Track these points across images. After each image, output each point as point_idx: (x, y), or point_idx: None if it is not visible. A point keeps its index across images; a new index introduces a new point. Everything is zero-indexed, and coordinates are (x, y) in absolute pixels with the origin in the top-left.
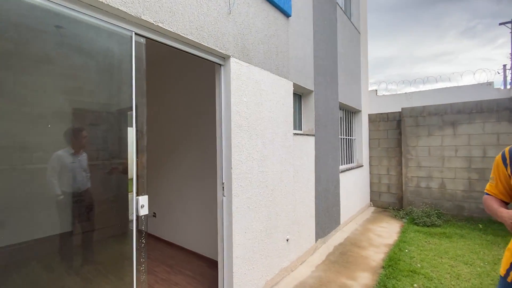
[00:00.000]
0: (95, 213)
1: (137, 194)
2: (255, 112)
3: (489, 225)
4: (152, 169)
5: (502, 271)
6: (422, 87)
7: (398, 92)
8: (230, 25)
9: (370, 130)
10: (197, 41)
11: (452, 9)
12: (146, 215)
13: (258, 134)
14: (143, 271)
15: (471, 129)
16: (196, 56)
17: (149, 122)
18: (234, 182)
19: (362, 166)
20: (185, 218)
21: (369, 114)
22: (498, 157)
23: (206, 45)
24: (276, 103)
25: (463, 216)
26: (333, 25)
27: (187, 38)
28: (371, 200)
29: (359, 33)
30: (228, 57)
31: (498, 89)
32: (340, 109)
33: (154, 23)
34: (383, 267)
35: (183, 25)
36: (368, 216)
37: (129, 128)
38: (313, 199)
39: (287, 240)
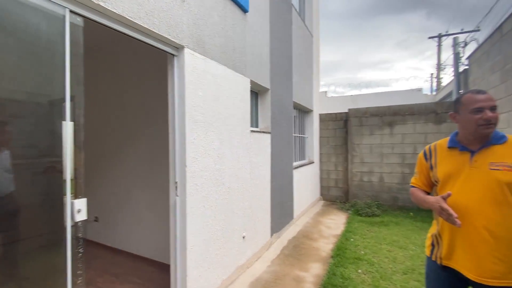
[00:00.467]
0: (20, 221)
1: (74, 197)
2: (212, 107)
3: (418, 213)
4: (94, 168)
5: (427, 251)
6: (364, 91)
7: (345, 95)
8: (184, 13)
9: (320, 129)
10: (146, 27)
11: (389, 22)
12: (85, 220)
13: (215, 130)
14: (81, 283)
15: (404, 129)
16: (146, 43)
17: (90, 115)
18: (188, 181)
19: (313, 162)
20: (133, 221)
21: (319, 114)
22: (421, 154)
23: (158, 32)
24: (233, 99)
25: (397, 206)
26: (288, 25)
27: (135, 22)
28: (321, 194)
29: (312, 35)
30: (182, 47)
31: (426, 94)
32: (294, 108)
33: (95, 1)
34: (332, 257)
35: (130, 8)
36: (318, 210)
37: (63, 122)
38: (269, 195)
39: (243, 237)
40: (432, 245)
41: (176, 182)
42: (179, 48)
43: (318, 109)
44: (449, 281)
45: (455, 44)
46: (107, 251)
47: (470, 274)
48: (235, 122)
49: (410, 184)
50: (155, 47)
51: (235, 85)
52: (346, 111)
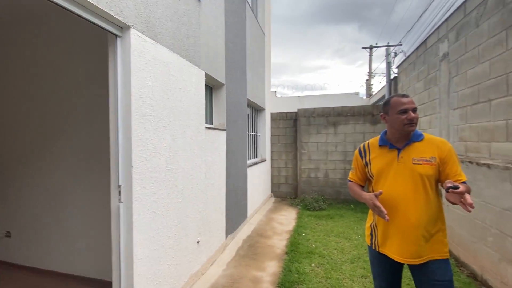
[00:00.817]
0: None
1: None
2: (163, 100)
3: (357, 204)
4: (6, 172)
5: (368, 241)
6: (306, 93)
7: (293, 95)
8: None
9: (272, 128)
10: None
11: (329, 31)
12: None
13: (166, 125)
14: None
15: (346, 128)
16: (81, 18)
17: (4, 106)
18: (135, 183)
19: (265, 160)
20: (61, 234)
21: (271, 113)
22: (356, 151)
23: (96, 5)
24: (187, 92)
25: (340, 200)
26: (242, 20)
27: None
28: (272, 191)
29: (264, 34)
30: (128, 27)
31: (362, 98)
32: (248, 106)
33: None
34: (286, 253)
35: None
36: (270, 206)
37: None
38: (224, 195)
39: (197, 242)
40: (371, 234)
41: (119, 186)
42: (123, 28)
43: (270, 108)
44: (390, 264)
45: (387, 54)
46: (26, 272)
47: (398, 257)
48: (189, 117)
49: (348, 179)
50: (93, 23)
51: (189, 76)
52: (295, 111)
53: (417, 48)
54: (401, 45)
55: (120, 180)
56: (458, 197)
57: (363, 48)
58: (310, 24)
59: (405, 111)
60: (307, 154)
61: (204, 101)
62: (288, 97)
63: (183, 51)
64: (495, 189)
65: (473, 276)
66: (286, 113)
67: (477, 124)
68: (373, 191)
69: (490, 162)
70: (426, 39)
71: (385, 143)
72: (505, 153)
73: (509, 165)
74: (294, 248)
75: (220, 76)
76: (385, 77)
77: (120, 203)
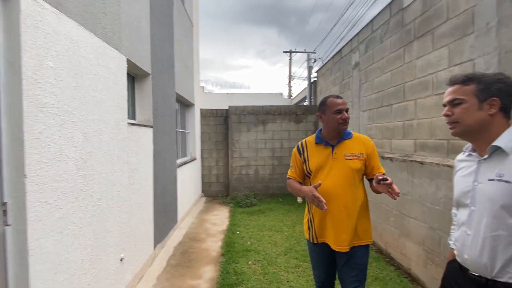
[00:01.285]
0: None
1: None
2: (72, 88)
3: (284, 198)
4: None
5: (306, 235)
6: (232, 90)
7: (219, 92)
8: None
9: (202, 125)
10: None
11: (252, 33)
12: None
13: (77, 121)
14: None
15: (274, 126)
16: None
17: None
18: (31, 198)
19: (196, 159)
20: None
21: (201, 109)
22: (295, 149)
23: None
24: (104, 79)
25: (269, 194)
26: (169, 5)
27: None
28: (202, 191)
29: (192, 25)
30: None
31: (285, 98)
32: (176, 100)
33: None
34: (222, 254)
35: None
36: (201, 207)
37: None
38: (152, 201)
39: (121, 260)
40: (309, 228)
41: (3, 204)
42: None
43: (199, 104)
44: (326, 254)
45: (308, 59)
46: None
47: (334, 246)
48: (107, 110)
49: (287, 176)
50: None
51: (107, 61)
52: (225, 108)
53: (333, 56)
54: (315, 52)
55: (5, 195)
56: (386, 187)
57: (284, 52)
58: (232, 22)
59: (339, 111)
60: (238, 152)
61: (126, 92)
62: (217, 93)
63: (99, 30)
64: (395, 177)
65: (380, 251)
66: (216, 109)
67: (381, 124)
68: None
69: (391, 155)
70: (341, 49)
71: (320, 140)
72: (403, 148)
73: (405, 158)
74: (230, 248)
75: (145, 64)
76: (303, 80)
77: (6, 226)
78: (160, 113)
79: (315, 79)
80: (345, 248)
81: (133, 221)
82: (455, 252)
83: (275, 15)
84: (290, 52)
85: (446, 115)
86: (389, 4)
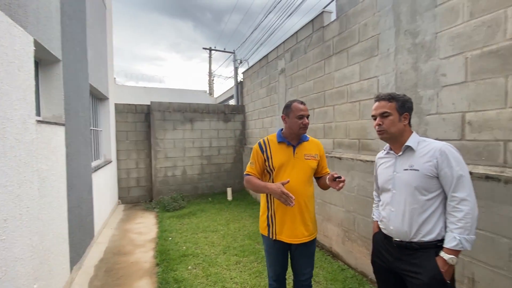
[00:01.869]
0: None
1: None
2: None
3: (214, 197)
4: None
5: (264, 232)
6: (151, 84)
7: (137, 86)
8: None
9: (117, 122)
10: None
11: (164, 23)
12: None
13: None
14: None
15: (203, 125)
16: None
17: None
18: None
19: (111, 161)
20: None
21: (116, 104)
22: (256, 146)
23: None
24: (8, 64)
25: (198, 195)
26: None
27: None
28: (119, 198)
29: (105, 6)
30: None
31: (211, 96)
32: (90, 93)
33: None
34: (157, 264)
35: None
36: (121, 216)
37: None
38: (66, 215)
39: None
40: (268, 225)
41: None
42: None
43: (114, 97)
44: (283, 250)
45: (235, 60)
46: None
47: (294, 239)
48: (11, 104)
49: (246, 173)
50: None
51: (11, 40)
52: (145, 103)
53: (260, 60)
54: (234, 53)
55: None
56: (337, 183)
57: (204, 48)
58: (142, 8)
59: (301, 117)
60: (163, 152)
61: (33, 82)
62: (132, 87)
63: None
64: None
65: None
66: (135, 105)
67: None
68: (273, 182)
69: None
70: (267, 54)
71: (283, 140)
72: (324, 146)
73: (327, 154)
74: (165, 256)
75: (55, 48)
76: (225, 79)
77: None
78: (73, 108)
79: (241, 80)
80: (303, 239)
81: (47, 242)
82: (382, 226)
83: (189, 7)
84: (210, 49)
85: (378, 125)
86: (312, 21)
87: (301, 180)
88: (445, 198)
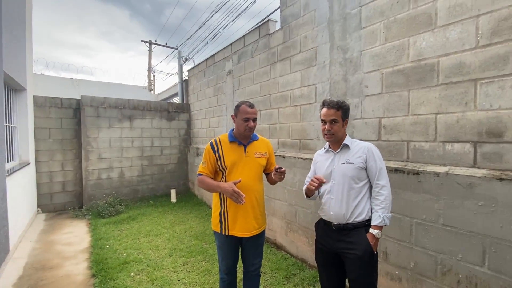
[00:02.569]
0: None
1: None
2: None
3: (156, 200)
4: None
5: (216, 229)
6: (65, 74)
7: (59, 76)
8: None
9: (37, 117)
10: None
11: (93, 7)
12: None
13: None
14: None
15: (143, 123)
16: None
17: None
18: None
19: (29, 163)
20: None
21: (35, 96)
22: (208, 146)
23: None
24: None
25: (138, 198)
26: None
27: None
28: (39, 206)
29: None
30: None
31: (152, 93)
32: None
33: None
34: (93, 275)
35: None
36: (42, 227)
37: None
38: None
39: None
40: (220, 222)
41: None
42: None
43: (33, 89)
44: (234, 244)
45: (180, 57)
46: None
47: (246, 233)
48: None
49: (198, 172)
50: None
51: None
52: (74, 97)
53: (207, 59)
54: (177, 48)
55: None
56: (280, 175)
57: (143, 41)
58: None
59: (247, 119)
60: (96, 152)
61: None
62: (58, 77)
63: None
64: None
65: None
66: (61, 99)
67: None
68: (225, 181)
69: None
70: (215, 54)
71: (234, 139)
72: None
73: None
74: (102, 266)
75: None
76: (166, 76)
77: None
78: None
79: (186, 78)
80: (254, 232)
81: None
82: (321, 214)
83: None
84: (150, 43)
85: (329, 130)
86: (259, 27)
87: (252, 177)
88: (370, 186)
